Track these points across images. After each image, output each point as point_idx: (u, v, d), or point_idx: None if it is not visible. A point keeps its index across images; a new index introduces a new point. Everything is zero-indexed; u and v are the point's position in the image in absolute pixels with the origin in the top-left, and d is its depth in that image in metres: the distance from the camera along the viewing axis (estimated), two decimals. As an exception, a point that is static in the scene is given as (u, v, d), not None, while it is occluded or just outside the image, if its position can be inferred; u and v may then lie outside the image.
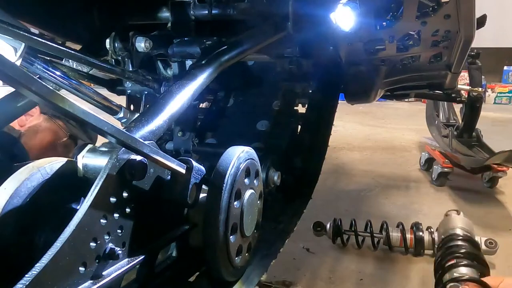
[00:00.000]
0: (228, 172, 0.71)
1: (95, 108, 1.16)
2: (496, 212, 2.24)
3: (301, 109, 1.41)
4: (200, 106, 1.21)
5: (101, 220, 0.52)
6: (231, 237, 0.73)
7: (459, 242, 1.35)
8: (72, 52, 0.92)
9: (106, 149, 0.56)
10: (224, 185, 0.70)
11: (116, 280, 0.55)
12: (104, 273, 0.53)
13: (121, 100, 1.26)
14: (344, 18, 1.18)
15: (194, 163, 0.68)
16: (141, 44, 1.02)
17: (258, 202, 0.84)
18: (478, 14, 1.11)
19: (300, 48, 1.21)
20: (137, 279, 0.63)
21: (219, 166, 0.73)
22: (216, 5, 1.07)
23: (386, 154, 3.37)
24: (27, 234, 0.56)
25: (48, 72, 0.98)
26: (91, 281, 0.51)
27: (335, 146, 3.43)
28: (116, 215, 0.54)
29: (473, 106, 2.71)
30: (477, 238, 1.77)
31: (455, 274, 1.17)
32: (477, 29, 1.15)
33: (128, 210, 0.56)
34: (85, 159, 0.57)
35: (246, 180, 0.78)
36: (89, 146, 0.58)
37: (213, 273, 0.75)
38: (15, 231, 0.54)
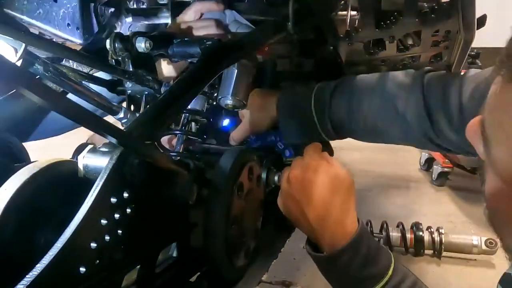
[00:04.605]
0: (229, 172, 0.71)
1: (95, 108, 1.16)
2: (496, 212, 2.24)
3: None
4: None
5: (102, 221, 0.52)
6: (231, 237, 0.73)
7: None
8: (72, 52, 0.92)
9: (107, 150, 0.56)
10: (225, 185, 0.70)
11: (116, 280, 0.55)
12: (104, 273, 0.53)
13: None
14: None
15: (195, 163, 0.68)
16: (141, 44, 1.02)
17: (259, 208, 0.84)
18: (478, 14, 1.11)
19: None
20: (137, 279, 0.63)
21: (220, 166, 0.73)
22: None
23: (386, 154, 3.37)
24: (27, 234, 0.56)
25: (48, 73, 0.98)
26: (91, 282, 0.51)
27: (335, 146, 3.42)
28: (116, 215, 0.54)
29: (473, 106, 2.70)
30: (477, 238, 1.77)
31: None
32: (477, 29, 1.14)
33: (128, 210, 0.56)
34: (86, 160, 0.57)
35: (246, 180, 0.78)
36: (90, 146, 0.58)
37: (213, 273, 0.75)
38: (16, 231, 0.54)
